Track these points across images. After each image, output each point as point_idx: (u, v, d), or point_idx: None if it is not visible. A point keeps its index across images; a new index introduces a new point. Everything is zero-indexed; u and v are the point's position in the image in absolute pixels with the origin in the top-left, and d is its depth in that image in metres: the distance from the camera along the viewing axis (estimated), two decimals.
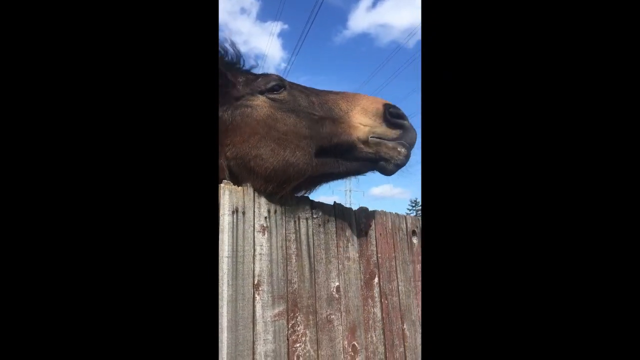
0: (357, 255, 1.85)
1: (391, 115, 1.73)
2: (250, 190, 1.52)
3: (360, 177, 1.93)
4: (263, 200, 1.55)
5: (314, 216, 1.73)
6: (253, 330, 1.36)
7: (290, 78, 1.95)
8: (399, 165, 1.71)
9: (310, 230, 1.69)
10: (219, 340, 1.27)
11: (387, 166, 1.70)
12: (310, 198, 1.79)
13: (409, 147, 1.68)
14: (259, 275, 1.44)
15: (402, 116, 1.74)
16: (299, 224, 1.66)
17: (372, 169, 1.78)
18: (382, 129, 1.70)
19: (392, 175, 1.73)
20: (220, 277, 1.33)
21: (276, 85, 1.81)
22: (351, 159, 1.74)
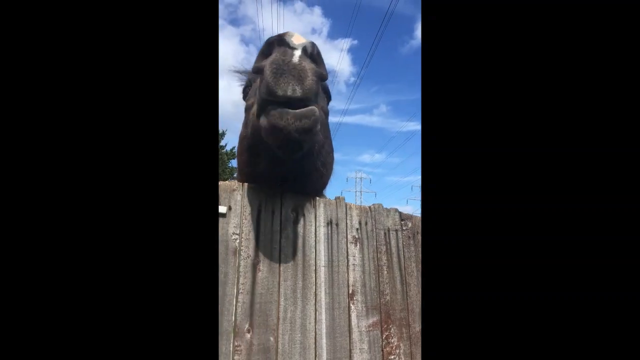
0: None
1: (263, 54, 1.17)
2: (343, 203, 1.59)
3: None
4: (354, 212, 1.61)
5: (404, 228, 1.73)
6: (349, 339, 1.41)
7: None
8: (278, 148, 1.19)
9: (400, 242, 1.69)
10: (319, 346, 1.34)
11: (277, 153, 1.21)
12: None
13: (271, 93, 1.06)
14: (352, 285, 1.49)
15: (265, 51, 1.15)
16: (389, 235, 1.67)
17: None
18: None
19: None
20: (317, 285, 1.41)
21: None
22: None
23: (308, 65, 1.10)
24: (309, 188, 1.55)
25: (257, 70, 1.16)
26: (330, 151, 1.69)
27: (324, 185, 1.74)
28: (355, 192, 55.01)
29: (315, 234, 1.47)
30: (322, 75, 1.17)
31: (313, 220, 1.49)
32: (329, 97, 1.70)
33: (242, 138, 1.52)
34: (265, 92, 1.08)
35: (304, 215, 1.47)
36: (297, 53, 1.10)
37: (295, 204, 1.47)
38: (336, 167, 1.89)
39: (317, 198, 1.53)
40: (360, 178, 56.55)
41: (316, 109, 1.13)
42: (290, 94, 1.05)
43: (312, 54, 1.14)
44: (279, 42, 1.13)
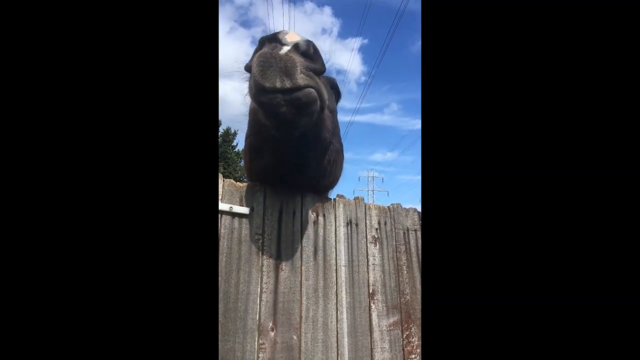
0: None
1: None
2: (362, 203, 1.60)
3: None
4: (374, 212, 1.62)
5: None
6: (370, 338, 1.42)
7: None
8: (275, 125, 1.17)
9: (419, 242, 1.69)
10: (341, 345, 1.35)
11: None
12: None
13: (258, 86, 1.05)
14: (373, 285, 1.50)
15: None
16: (408, 235, 1.68)
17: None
18: None
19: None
20: (338, 285, 1.43)
21: None
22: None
23: (297, 58, 1.08)
24: (315, 185, 1.52)
25: (248, 69, 1.14)
26: (339, 150, 1.65)
27: (331, 183, 1.71)
28: (368, 191, 54.75)
29: (336, 234, 1.49)
30: (315, 69, 1.14)
31: (333, 221, 1.51)
32: (338, 95, 1.67)
33: (246, 136, 1.54)
34: (254, 86, 1.07)
35: (324, 215, 1.49)
36: (286, 48, 1.08)
37: (315, 205, 1.49)
38: (348, 166, 1.85)
39: (337, 198, 1.55)
40: (373, 177, 56.26)
41: (313, 90, 1.10)
42: (279, 85, 1.03)
43: (307, 52, 1.12)
44: (271, 40, 1.12)
